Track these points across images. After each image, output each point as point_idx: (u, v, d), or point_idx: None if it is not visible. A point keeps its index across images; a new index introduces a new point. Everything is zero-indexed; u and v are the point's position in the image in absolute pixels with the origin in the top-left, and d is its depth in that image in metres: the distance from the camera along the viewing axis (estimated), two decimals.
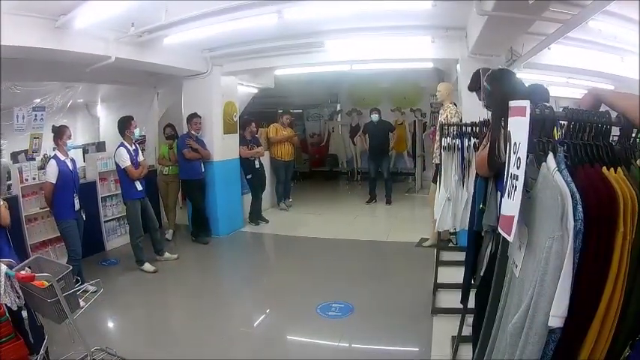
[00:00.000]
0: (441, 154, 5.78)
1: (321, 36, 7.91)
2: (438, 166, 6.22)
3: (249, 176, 10.71)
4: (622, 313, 1.71)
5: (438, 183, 5.98)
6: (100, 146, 10.57)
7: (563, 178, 1.73)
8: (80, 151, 10.23)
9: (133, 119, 7.87)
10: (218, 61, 9.40)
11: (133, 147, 7.79)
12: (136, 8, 5.97)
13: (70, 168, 6.70)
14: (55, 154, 6.68)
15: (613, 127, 1.96)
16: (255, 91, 11.78)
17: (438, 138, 6.61)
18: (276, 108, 13.90)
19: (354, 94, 17.48)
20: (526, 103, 1.89)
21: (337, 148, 17.88)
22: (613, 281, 1.67)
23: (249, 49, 8.58)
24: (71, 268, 4.14)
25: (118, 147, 7.67)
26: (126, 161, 7.55)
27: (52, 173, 6.51)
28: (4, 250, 4.64)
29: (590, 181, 1.74)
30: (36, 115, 8.06)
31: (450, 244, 8.04)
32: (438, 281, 6.21)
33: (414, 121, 15.35)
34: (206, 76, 9.44)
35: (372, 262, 8.11)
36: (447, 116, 7.36)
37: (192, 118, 9.35)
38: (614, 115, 1.96)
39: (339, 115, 18.22)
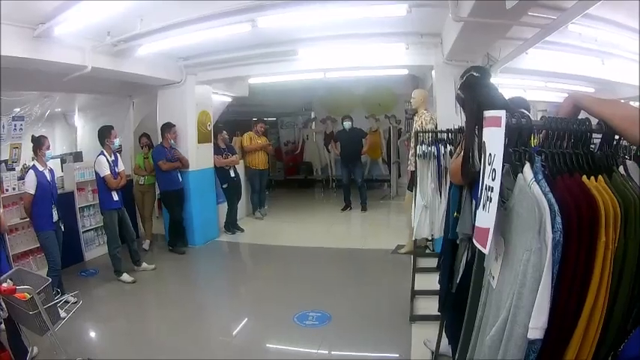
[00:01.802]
0: (416, 162, 5.76)
1: (295, 44, 7.89)
2: (413, 174, 6.20)
3: (224, 185, 10.65)
4: (605, 324, 1.69)
5: (413, 191, 5.96)
6: (77, 156, 10.51)
7: (541, 189, 1.69)
8: (58, 161, 10.14)
9: (113, 129, 7.79)
10: (192, 70, 9.34)
11: (112, 157, 7.73)
12: (112, 17, 5.89)
13: (49, 179, 6.63)
14: (34, 165, 6.63)
15: (594, 133, 1.94)
16: (230, 99, 11.73)
17: (412, 145, 6.60)
18: (250, 117, 13.86)
19: (328, 101, 17.45)
20: (501, 113, 1.86)
21: (312, 156, 17.91)
22: (595, 292, 1.65)
23: (223, 58, 8.54)
24: (50, 280, 4.15)
25: (98, 155, 7.62)
26: (105, 170, 7.49)
27: (30, 184, 6.44)
28: (2, 259, 4.64)
29: (569, 191, 1.71)
30: (15, 125, 7.99)
31: (427, 251, 8.03)
32: (416, 288, 6.19)
33: (389, 127, 15.33)
34: (181, 85, 9.38)
35: (349, 270, 8.07)
36: (421, 123, 7.34)
37: (171, 127, 9.29)
38: (594, 121, 1.93)
39: (314, 122, 18.19)
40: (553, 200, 1.66)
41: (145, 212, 9.78)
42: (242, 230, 10.83)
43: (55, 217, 6.61)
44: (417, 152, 5.66)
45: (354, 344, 5.38)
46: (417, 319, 5.67)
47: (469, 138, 2.78)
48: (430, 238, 6.57)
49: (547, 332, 1.66)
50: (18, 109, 8.99)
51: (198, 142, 9.92)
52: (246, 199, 12.12)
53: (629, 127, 1.81)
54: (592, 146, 1.95)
